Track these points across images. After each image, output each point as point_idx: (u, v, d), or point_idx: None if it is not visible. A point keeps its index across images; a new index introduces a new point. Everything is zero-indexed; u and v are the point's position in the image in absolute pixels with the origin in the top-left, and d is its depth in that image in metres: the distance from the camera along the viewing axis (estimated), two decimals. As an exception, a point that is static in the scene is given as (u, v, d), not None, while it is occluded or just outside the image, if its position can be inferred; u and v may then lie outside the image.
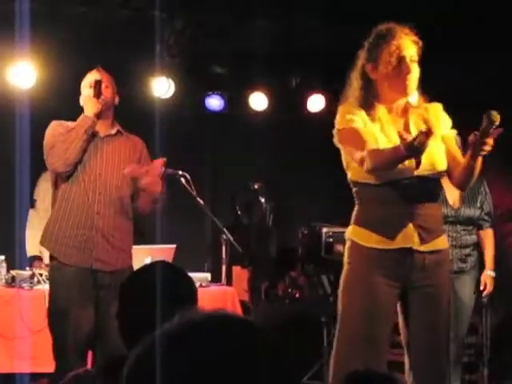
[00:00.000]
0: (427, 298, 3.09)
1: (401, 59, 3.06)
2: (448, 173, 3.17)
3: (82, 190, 3.76)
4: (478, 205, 4.77)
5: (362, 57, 3.18)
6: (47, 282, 4.41)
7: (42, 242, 3.87)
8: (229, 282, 6.00)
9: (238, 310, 5.49)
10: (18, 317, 4.71)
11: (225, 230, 5.93)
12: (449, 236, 4.03)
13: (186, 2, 5.95)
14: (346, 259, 3.17)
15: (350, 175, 3.18)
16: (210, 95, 7.08)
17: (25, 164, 5.48)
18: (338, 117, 3.15)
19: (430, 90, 3.20)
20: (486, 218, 4.84)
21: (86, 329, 3.66)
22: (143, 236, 5.84)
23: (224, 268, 6.03)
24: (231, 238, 5.88)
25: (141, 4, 5.91)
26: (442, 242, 3.20)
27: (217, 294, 5.53)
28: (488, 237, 4.88)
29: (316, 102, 6.96)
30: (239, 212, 6.71)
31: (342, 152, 3.18)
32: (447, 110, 3.25)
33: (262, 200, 6.62)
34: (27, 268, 5.14)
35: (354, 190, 3.19)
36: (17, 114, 5.71)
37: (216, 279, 6.02)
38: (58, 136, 3.74)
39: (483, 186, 4.82)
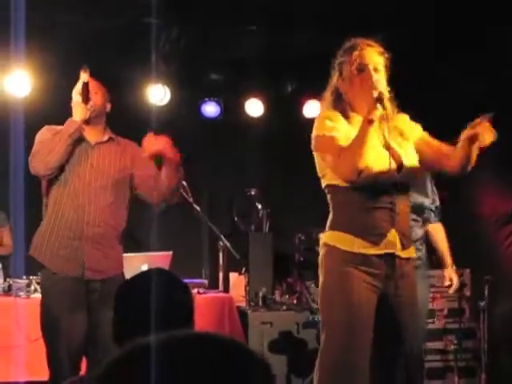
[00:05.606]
0: (404, 306, 3.04)
1: (363, 68, 3.07)
2: (439, 164, 3.17)
3: (71, 199, 3.71)
4: (429, 193, 4.48)
5: (334, 74, 3.21)
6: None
7: (33, 252, 3.81)
8: (226, 289, 6.00)
9: (235, 317, 5.49)
10: (14, 325, 4.70)
11: (222, 236, 5.93)
12: None
13: (182, 9, 5.96)
14: (323, 266, 3.08)
15: (327, 180, 3.15)
16: (205, 102, 7.09)
17: (19, 171, 5.47)
18: (317, 122, 3.14)
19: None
20: (436, 210, 4.54)
21: (78, 336, 3.64)
22: (139, 244, 5.84)
23: (221, 274, 6.03)
24: (228, 245, 5.88)
25: (136, 12, 5.92)
26: (413, 251, 3.22)
27: (214, 300, 5.52)
28: (439, 231, 4.58)
29: (312, 108, 6.97)
30: (236, 218, 6.71)
31: (317, 159, 3.16)
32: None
33: (259, 206, 6.62)
34: (24, 277, 5.14)
35: (329, 195, 3.15)
36: (12, 122, 5.72)
37: (213, 286, 6.02)
38: (45, 140, 3.70)
39: (431, 180, 4.52)
